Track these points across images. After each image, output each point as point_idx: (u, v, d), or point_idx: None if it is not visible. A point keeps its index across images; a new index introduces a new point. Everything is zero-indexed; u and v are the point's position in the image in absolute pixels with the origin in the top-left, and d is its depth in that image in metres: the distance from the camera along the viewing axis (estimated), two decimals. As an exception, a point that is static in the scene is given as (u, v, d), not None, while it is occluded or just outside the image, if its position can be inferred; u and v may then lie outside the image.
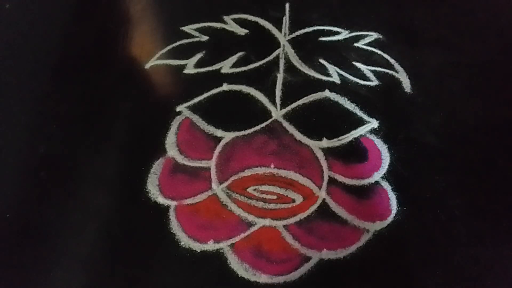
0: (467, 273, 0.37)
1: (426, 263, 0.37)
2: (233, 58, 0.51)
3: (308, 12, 0.55)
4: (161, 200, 0.41)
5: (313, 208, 0.41)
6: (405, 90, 0.48)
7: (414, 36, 0.53)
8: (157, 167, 0.43)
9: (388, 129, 0.45)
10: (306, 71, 0.50)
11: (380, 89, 0.48)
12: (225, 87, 0.48)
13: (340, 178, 0.42)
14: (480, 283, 0.37)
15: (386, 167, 0.43)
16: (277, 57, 0.51)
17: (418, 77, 0.49)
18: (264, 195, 0.41)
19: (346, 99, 0.47)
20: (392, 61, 0.51)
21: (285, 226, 0.40)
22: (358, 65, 0.50)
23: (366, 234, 0.39)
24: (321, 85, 0.48)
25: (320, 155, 0.44)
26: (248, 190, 0.42)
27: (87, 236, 0.39)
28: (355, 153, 0.44)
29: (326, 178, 0.42)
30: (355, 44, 0.52)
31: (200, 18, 0.55)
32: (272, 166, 0.43)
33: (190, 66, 0.50)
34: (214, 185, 0.42)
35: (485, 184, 0.42)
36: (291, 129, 0.45)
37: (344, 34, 0.53)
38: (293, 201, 0.41)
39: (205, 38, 0.53)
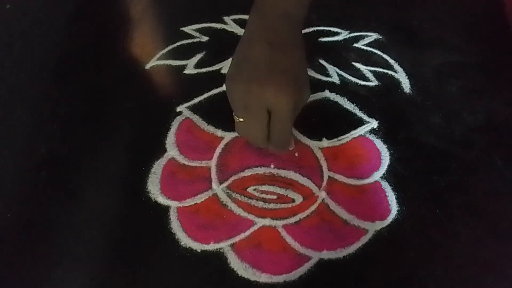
0: (466, 273, 0.37)
1: (425, 263, 0.37)
2: (233, 59, 0.51)
3: (308, 12, 0.55)
4: (161, 200, 0.41)
5: (313, 208, 0.41)
6: (405, 90, 0.48)
7: (414, 37, 0.53)
8: (158, 167, 0.43)
9: (388, 129, 0.45)
10: (306, 72, 0.50)
11: (379, 90, 0.48)
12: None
13: (339, 178, 0.42)
14: (480, 283, 0.37)
15: (386, 167, 0.43)
16: (277, 57, 0.51)
17: (418, 77, 0.49)
18: (264, 195, 0.41)
19: (345, 99, 0.47)
20: (391, 61, 0.51)
21: (284, 226, 0.40)
22: (358, 65, 0.50)
23: (365, 234, 0.39)
24: (321, 85, 0.49)
25: (320, 155, 0.44)
26: (248, 190, 0.42)
27: (87, 236, 0.39)
28: (355, 153, 0.44)
29: (325, 178, 0.42)
30: (355, 45, 0.52)
31: (200, 19, 0.55)
32: (272, 166, 0.43)
33: (190, 67, 0.50)
34: (214, 185, 0.42)
35: (485, 184, 0.42)
36: (291, 129, 0.45)
37: (343, 35, 0.53)
38: (293, 201, 0.41)
39: (205, 38, 0.53)
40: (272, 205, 0.41)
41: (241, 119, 0.37)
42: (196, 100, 0.48)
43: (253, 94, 0.35)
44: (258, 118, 0.36)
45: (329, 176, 0.42)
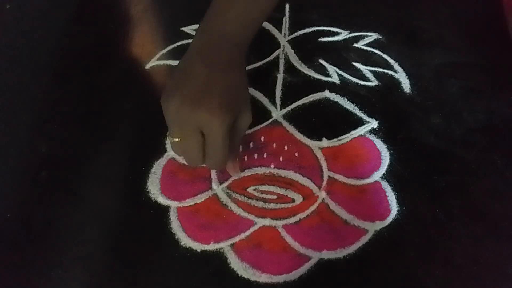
0: (467, 273, 0.37)
1: (425, 263, 0.37)
2: (233, 59, 0.51)
3: (308, 12, 0.56)
4: (161, 200, 0.41)
5: (313, 208, 0.41)
6: (405, 90, 0.48)
7: (414, 37, 0.53)
8: (158, 167, 0.43)
9: (388, 129, 0.45)
10: (306, 72, 0.50)
11: (379, 89, 0.48)
12: (225, 87, 0.48)
13: (339, 178, 0.42)
14: (480, 283, 0.37)
15: (386, 167, 0.43)
16: (277, 57, 0.51)
17: (418, 77, 0.49)
18: (264, 195, 0.41)
19: (345, 99, 0.47)
20: (391, 61, 0.51)
21: (284, 226, 0.40)
22: (358, 65, 0.50)
23: (365, 234, 0.39)
24: (321, 85, 0.49)
25: (320, 155, 0.44)
26: (248, 190, 0.42)
27: (87, 236, 0.39)
28: (355, 153, 0.44)
29: (325, 178, 0.42)
30: (355, 45, 0.52)
31: (200, 19, 0.55)
32: (272, 166, 0.43)
33: (190, 67, 0.50)
34: (214, 185, 0.42)
35: (485, 184, 0.42)
36: (291, 129, 0.45)
37: (343, 35, 0.53)
38: (293, 201, 0.41)
39: (205, 38, 0.53)
40: (272, 205, 0.41)
41: (176, 139, 0.36)
42: (196, 100, 0.47)
43: (185, 115, 0.33)
44: (191, 139, 0.35)
45: (329, 176, 0.42)
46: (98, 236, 0.39)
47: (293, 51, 0.52)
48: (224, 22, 0.36)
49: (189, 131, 0.34)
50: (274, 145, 0.44)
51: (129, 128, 0.46)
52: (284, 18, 0.55)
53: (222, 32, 0.36)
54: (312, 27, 0.54)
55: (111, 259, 0.38)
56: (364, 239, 0.39)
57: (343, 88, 0.48)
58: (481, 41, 0.53)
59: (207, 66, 0.35)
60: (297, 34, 0.54)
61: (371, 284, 0.37)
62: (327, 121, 0.46)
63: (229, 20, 0.36)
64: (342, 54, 0.51)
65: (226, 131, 0.34)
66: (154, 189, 0.42)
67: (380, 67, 0.50)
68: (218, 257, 0.38)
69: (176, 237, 0.39)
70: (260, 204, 0.41)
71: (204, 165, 0.37)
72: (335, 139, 0.45)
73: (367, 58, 0.51)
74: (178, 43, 0.53)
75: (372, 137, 0.45)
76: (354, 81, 0.49)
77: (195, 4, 0.57)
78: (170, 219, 0.40)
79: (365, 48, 0.52)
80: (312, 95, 0.48)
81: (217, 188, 0.42)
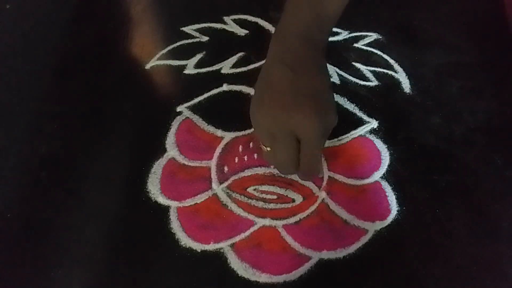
0: (466, 273, 0.37)
1: (425, 263, 0.37)
2: (233, 59, 0.51)
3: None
4: (161, 200, 0.41)
5: (313, 208, 0.41)
6: (405, 90, 0.48)
7: (414, 37, 0.53)
8: (157, 167, 0.43)
9: (388, 129, 0.45)
10: (306, 72, 0.50)
11: (379, 89, 0.48)
12: (226, 87, 0.48)
13: (339, 178, 0.42)
14: (480, 283, 0.37)
15: (386, 167, 0.43)
16: (277, 57, 0.51)
17: (418, 77, 0.49)
18: (264, 195, 0.41)
19: (345, 99, 0.47)
20: (391, 61, 0.51)
21: (284, 226, 0.40)
22: (358, 65, 0.50)
23: (365, 234, 0.39)
24: (321, 85, 0.48)
25: (320, 155, 0.44)
26: (248, 190, 0.42)
27: (87, 236, 0.39)
28: (355, 153, 0.44)
29: (325, 178, 0.42)
30: (355, 45, 0.52)
31: (200, 19, 0.55)
32: (272, 166, 0.43)
33: (190, 67, 0.50)
34: (214, 185, 0.42)
35: (485, 184, 0.42)
36: (291, 129, 0.45)
37: (343, 35, 0.53)
38: (293, 201, 0.41)
39: (205, 38, 0.53)
40: (272, 205, 0.41)
41: (268, 148, 0.35)
42: (196, 100, 0.48)
43: (279, 121, 0.33)
44: (286, 146, 0.34)
45: (329, 176, 0.42)
46: (98, 236, 0.39)
47: (293, 51, 0.52)
48: (298, 23, 0.36)
49: (282, 137, 0.34)
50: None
51: (129, 128, 0.46)
52: (284, 18, 0.55)
53: (298, 36, 0.35)
54: (312, 27, 0.54)
55: (111, 259, 0.38)
56: (364, 239, 0.39)
57: (343, 88, 0.48)
58: (481, 41, 0.53)
59: (290, 70, 0.34)
60: (297, 34, 0.53)
61: (371, 284, 0.37)
62: (327, 121, 0.46)
63: (302, 21, 0.36)
64: (342, 54, 0.51)
65: (322, 134, 0.33)
66: (154, 189, 0.42)
67: (380, 67, 0.50)
68: (218, 257, 0.38)
69: (176, 237, 0.39)
70: (260, 204, 0.41)
71: (296, 175, 0.37)
72: (335, 139, 0.45)
73: (367, 58, 0.51)
74: (178, 43, 0.53)
75: (372, 137, 0.45)
76: (354, 81, 0.49)
77: (195, 4, 0.58)
78: (170, 219, 0.40)
79: (365, 48, 0.52)
80: (312, 95, 0.48)
81: (217, 188, 0.42)
